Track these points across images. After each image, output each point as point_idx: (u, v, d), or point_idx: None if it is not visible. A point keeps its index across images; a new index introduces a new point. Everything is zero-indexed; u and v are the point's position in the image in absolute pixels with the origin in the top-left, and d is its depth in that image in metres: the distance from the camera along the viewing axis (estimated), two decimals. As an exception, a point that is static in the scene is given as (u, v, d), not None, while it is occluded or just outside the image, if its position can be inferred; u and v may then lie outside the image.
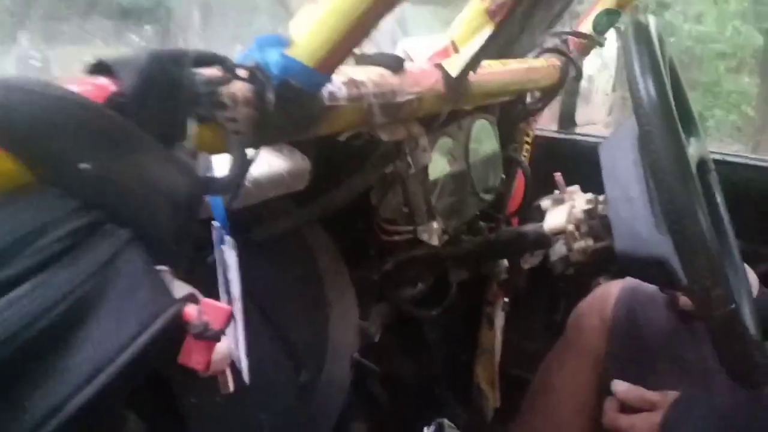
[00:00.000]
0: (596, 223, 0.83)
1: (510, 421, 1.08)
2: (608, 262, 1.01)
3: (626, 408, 0.80)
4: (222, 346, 0.49)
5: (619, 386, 0.80)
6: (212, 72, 0.38)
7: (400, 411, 1.09)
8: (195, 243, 0.49)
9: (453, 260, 0.90)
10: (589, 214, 0.84)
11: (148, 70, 0.33)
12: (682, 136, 0.70)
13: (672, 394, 0.77)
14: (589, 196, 0.86)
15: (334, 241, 0.82)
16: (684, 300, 0.91)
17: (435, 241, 0.78)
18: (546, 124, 1.33)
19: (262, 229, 0.68)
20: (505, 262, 1.00)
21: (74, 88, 0.31)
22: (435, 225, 0.78)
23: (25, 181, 0.29)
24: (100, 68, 0.34)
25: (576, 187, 0.90)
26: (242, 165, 0.38)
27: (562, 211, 0.83)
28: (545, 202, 0.86)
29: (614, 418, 0.80)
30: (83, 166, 0.30)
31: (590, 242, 0.82)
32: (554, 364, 1.04)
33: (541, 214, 0.87)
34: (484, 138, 0.97)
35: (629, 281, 1.01)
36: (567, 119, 1.28)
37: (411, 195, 0.80)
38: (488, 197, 0.96)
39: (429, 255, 0.85)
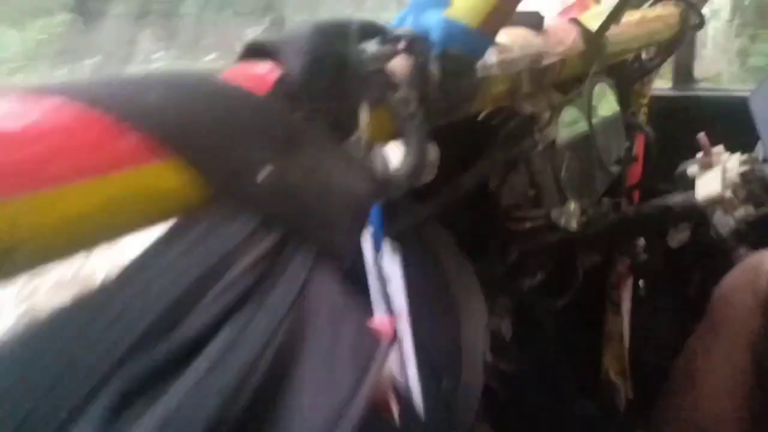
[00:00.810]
0: (755, 186, 0.72)
1: (647, 413, 0.98)
2: (749, 230, 0.90)
3: None
4: (386, 372, 0.43)
5: None
6: (375, 46, 0.31)
7: (520, 407, 1.02)
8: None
9: (585, 244, 0.80)
10: (746, 176, 0.72)
11: (314, 49, 0.26)
12: None
13: None
14: (744, 156, 0.74)
15: (453, 235, 0.75)
16: None
17: (573, 225, 0.69)
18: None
19: (388, 228, 0.62)
20: (642, 240, 0.89)
21: (235, 81, 0.25)
22: (573, 206, 0.69)
23: (200, 197, 0.23)
24: (258, 51, 0.27)
25: (720, 148, 0.79)
26: (421, 156, 0.31)
27: (716, 176, 0.72)
28: (692, 168, 0.75)
29: None
30: (263, 173, 0.23)
31: (751, 209, 0.71)
32: (700, 347, 0.93)
33: (686, 182, 0.76)
34: (605, 103, 0.86)
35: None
36: (684, 74, 1.14)
37: (538, 174, 0.71)
38: (616, 169, 0.85)
39: (560, 241, 0.76)
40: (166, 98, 0.21)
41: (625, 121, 0.94)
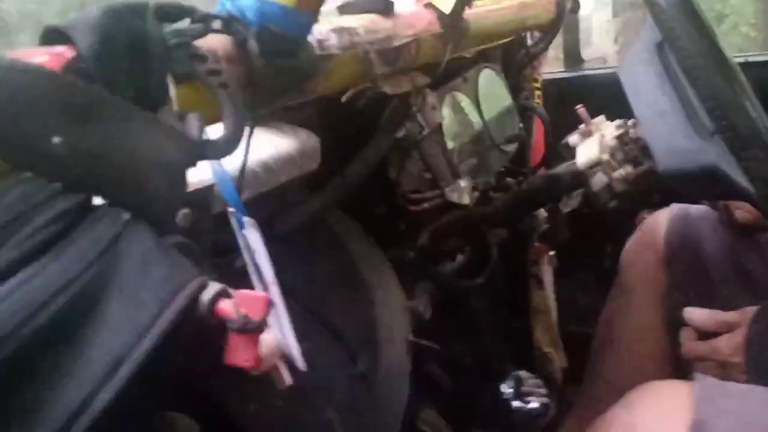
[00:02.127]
0: (631, 148, 0.77)
1: (580, 379, 1.02)
2: (648, 194, 0.95)
3: (703, 335, 0.74)
4: (268, 338, 0.44)
5: (693, 314, 0.74)
6: (185, 25, 0.34)
7: (461, 390, 1.04)
8: (219, 248, 0.45)
9: (487, 220, 0.84)
10: (622, 139, 0.78)
11: (106, 28, 0.29)
12: (710, 25, 0.64)
13: (749, 310, 0.71)
14: (618, 122, 0.80)
15: (359, 223, 0.77)
16: (740, 212, 0.84)
17: (466, 200, 0.73)
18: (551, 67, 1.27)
19: (283, 222, 0.64)
20: (543, 212, 0.94)
21: (30, 59, 0.27)
22: (462, 183, 0.73)
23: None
24: (53, 36, 0.29)
25: (601, 118, 0.85)
26: (237, 121, 0.33)
27: (593, 142, 0.77)
28: (573, 138, 0.81)
29: (693, 347, 0.74)
30: (56, 141, 0.25)
31: (629, 169, 0.76)
32: (614, 309, 0.98)
33: (570, 153, 0.81)
34: (493, 88, 0.91)
35: (676, 208, 0.94)
36: (573, 56, 1.21)
37: (430, 158, 0.74)
38: (510, 148, 0.90)
39: (462, 218, 0.80)
40: None
41: (519, 104, 1.00)
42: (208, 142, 0.32)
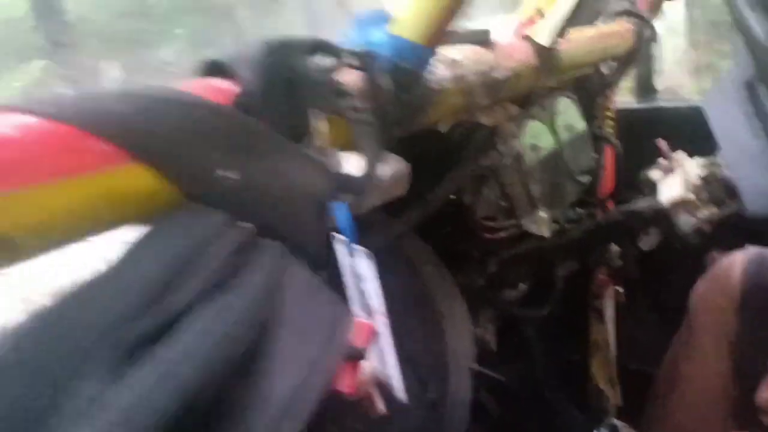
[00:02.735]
0: (715, 188, 0.75)
1: (636, 419, 0.99)
2: (721, 232, 0.92)
3: None
4: (366, 366, 0.45)
5: None
6: (323, 60, 0.34)
7: (511, 420, 1.02)
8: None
9: (561, 252, 0.83)
10: (706, 178, 0.76)
11: (267, 65, 0.29)
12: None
13: None
14: (701, 159, 0.78)
15: (433, 248, 0.77)
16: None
17: (545, 232, 0.72)
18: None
19: (366, 244, 0.64)
20: (615, 246, 0.92)
21: (195, 92, 0.28)
22: (542, 214, 0.72)
23: (169, 198, 0.25)
24: (215, 69, 0.30)
25: (682, 153, 0.83)
26: (375, 159, 0.34)
27: (677, 179, 0.75)
28: (654, 173, 0.79)
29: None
30: (227, 174, 0.26)
31: (714, 209, 0.74)
32: (681, 352, 0.94)
33: (650, 187, 0.80)
34: (568, 117, 0.90)
35: (753, 252, 0.91)
36: (646, 88, 1.19)
37: (508, 186, 0.74)
38: (585, 179, 0.89)
39: (535, 249, 0.78)
40: (128, 107, 0.24)
41: (592, 134, 0.98)
42: (350, 177, 0.32)
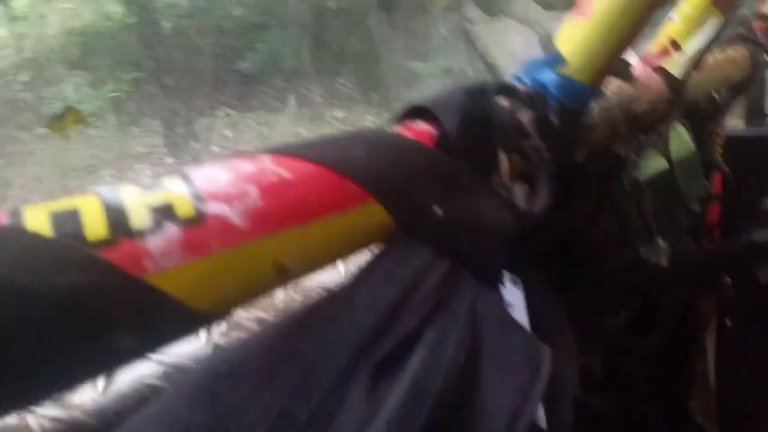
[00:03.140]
0: None
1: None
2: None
3: None
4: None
5: None
6: (505, 102, 0.36)
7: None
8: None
9: (673, 281, 0.81)
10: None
11: (465, 109, 0.32)
12: None
13: None
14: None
15: (544, 273, 0.77)
16: None
17: (664, 261, 0.71)
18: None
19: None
20: (728, 279, 0.89)
21: (408, 136, 0.30)
22: (661, 243, 0.71)
23: (387, 231, 0.28)
24: (414, 112, 0.33)
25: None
26: (551, 192, 0.35)
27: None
28: (776, 203, 0.76)
29: None
30: (437, 210, 0.28)
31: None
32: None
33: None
34: (681, 143, 0.89)
35: None
36: (756, 112, 1.15)
37: (626, 214, 0.73)
38: (697, 208, 0.87)
39: (650, 278, 0.77)
40: (370, 153, 0.27)
41: (702, 160, 0.96)
42: (530, 211, 0.34)
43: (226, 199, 0.20)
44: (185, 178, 0.21)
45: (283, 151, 0.25)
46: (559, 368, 0.74)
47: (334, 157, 0.25)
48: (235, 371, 0.23)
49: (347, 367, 0.23)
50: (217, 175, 0.21)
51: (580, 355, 0.81)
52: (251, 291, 0.22)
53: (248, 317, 0.36)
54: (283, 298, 0.39)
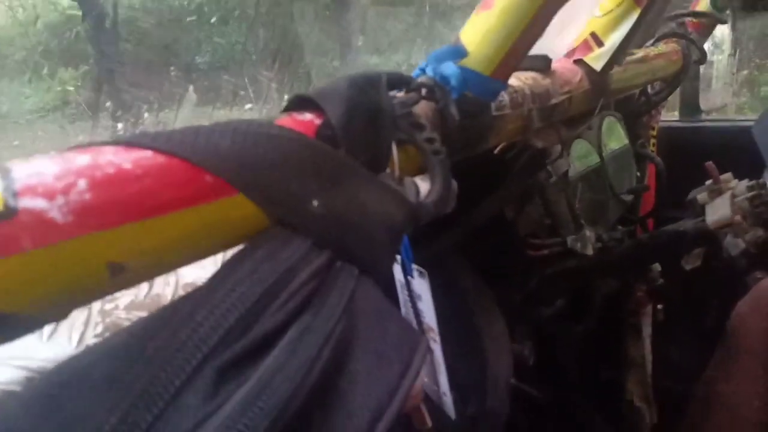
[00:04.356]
0: (763, 210, 0.75)
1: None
2: (765, 254, 0.91)
3: None
4: (417, 385, 0.46)
5: None
6: (401, 94, 0.36)
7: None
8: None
9: (602, 270, 0.83)
10: (753, 201, 0.75)
11: (351, 98, 0.31)
12: None
13: None
14: (749, 182, 0.78)
15: (473, 264, 0.78)
16: None
17: (590, 251, 0.73)
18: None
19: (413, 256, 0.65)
20: (658, 266, 0.92)
21: (287, 126, 0.29)
22: (588, 233, 0.72)
23: (260, 225, 0.27)
24: (301, 102, 0.32)
25: (729, 176, 0.82)
26: (447, 186, 0.35)
27: (724, 201, 0.75)
28: (701, 195, 0.79)
29: None
30: (314, 203, 0.28)
31: (760, 232, 0.74)
32: (720, 373, 0.94)
33: (696, 209, 0.79)
34: (613, 136, 0.90)
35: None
36: (690, 106, 1.18)
37: (553, 205, 0.75)
38: (628, 198, 0.89)
39: (577, 266, 0.79)
40: (234, 144, 0.26)
41: (636, 152, 0.98)
42: (422, 204, 0.34)
43: (47, 193, 0.19)
44: (4, 172, 0.20)
45: (130, 142, 0.24)
46: (492, 356, 0.75)
47: (190, 148, 0.24)
48: (80, 377, 0.22)
49: (194, 370, 0.22)
50: (44, 169, 0.20)
51: (513, 344, 0.83)
52: (82, 292, 0.21)
53: (127, 317, 0.35)
54: (171, 295, 0.38)
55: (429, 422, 0.47)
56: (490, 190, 0.69)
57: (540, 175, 0.71)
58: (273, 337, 0.24)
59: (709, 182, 0.81)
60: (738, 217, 0.73)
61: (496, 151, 0.56)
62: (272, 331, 0.24)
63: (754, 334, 0.90)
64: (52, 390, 0.21)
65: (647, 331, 1.08)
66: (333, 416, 0.24)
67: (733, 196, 0.76)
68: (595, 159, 0.85)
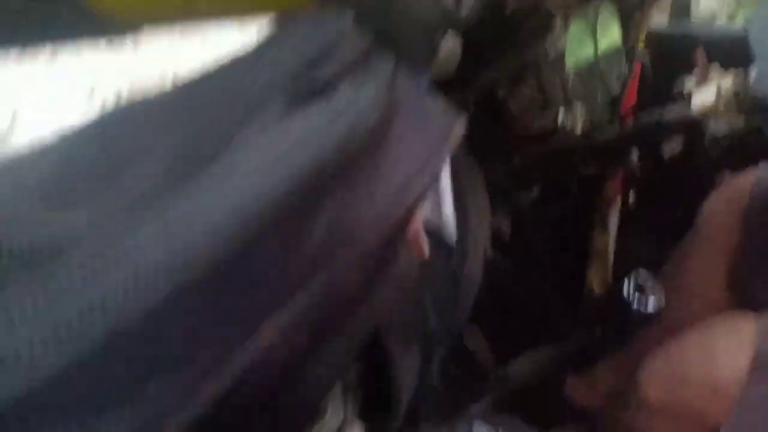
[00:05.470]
0: (746, 100, 0.77)
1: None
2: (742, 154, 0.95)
3: None
4: (420, 215, 0.48)
5: None
6: None
7: (507, 314, 1.08)
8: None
9: (586, 153, 0.86)
10: (738, 92, 0.78)
11: None
12: None
13: None
14: (736, 71, 0.80)
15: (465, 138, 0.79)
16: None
17: (578, 128, 0.75)
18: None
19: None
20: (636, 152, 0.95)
21: None
22: (579, 109, 0.74)
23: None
24: None
25: (716, 65, 0.84)
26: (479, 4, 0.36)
27: (710, 90, 0.78)
28: (688, 83, 0.81)
29: None
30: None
31: (741, 120, 0.77)
32: (682, 262, 1.00)
33: (682, 96, 0.82)
34: (608, 26, 0.91)
35: (763, 171, 0.95)
36: (681, 11, 1.18)
37: (547, 82, 0.76)
38: (616, 88, 0.90)
39: (564, 148, 0.81)
40: None
41: (626, 50, 0.99)
42: (456, 11, 0.35)
43: None
44: None
45: None
46: (473, 218, 0.78)
47: None
48: (135, 120, 0.22)
49: (261, 100, 0.23)
50: None
51: (492, 217, 0.86)
52: (159, 11, 0.21)
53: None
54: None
55: (426, 252, 0.50)
56: (489, 59, 0.69)
57: (540, 49, 0.72)
58: (333, 82, 0.25)
59: (696, 70, 0.83)
60: (722, 105, 0.76)
61: (507, 12, 0.56)
62: (333, 76, 0.25)
63: (718, 226, 0.96)
64: (106, 130, 0.22)
65: (613, 222, 1.13)
66: (382, 167, 0.26)
67: (720, 85, 0.79)
68: (589, 50, 0.85)
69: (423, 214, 0.48)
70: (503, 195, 0.90)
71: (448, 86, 0.68)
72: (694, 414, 0.57)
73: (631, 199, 1.07)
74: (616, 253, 1.15)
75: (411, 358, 0.61)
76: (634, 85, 1.09)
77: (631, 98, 1.10)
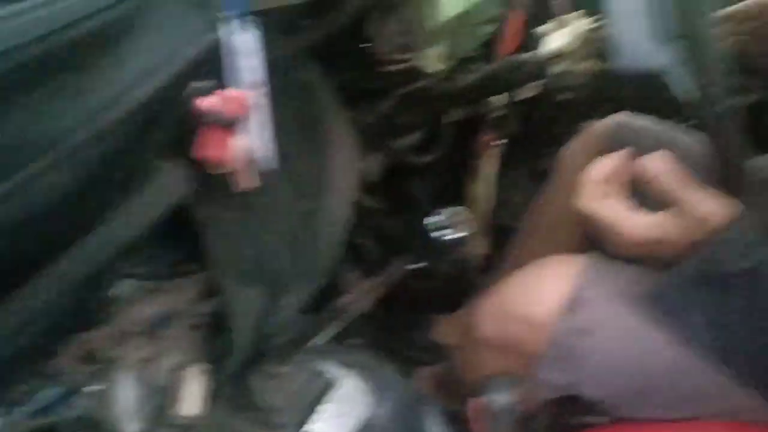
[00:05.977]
0: (599, 43, 0.80)
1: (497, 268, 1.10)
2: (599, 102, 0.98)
3: None
4: (241, 142, 0.47)
5: None
6: None
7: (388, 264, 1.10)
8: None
9: (450, 98, 0.86)
10: (591, 34, 0.80)
11: None
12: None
13: None
14: (594, 17, 0.82)
15: (329, 78, 0.77)
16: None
17: (433, 67, 0.75)
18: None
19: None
20: (501, 99, 0.97)
21: None
22: (434, 50, 0.74)
23: None
24: None
25: (579, 13, 0.86)
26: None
27: (564, 33, 0.79)
28: (544, 27, 0.82)
29: None
30: None
31: (591, 64, 0.80)
32: (539, 206, 1.04)
33: (539, 41, 0.83)
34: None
35: (623, 115, 0.99)
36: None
37: (412, 23, 0.74)
38: (488, 28, 0.90)
39: (425, 90, 0.81)
40: None
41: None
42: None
43: None
44: None
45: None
46: (334, 165, 0.77)
47: None
48: None
49: None
50: None
51: (362, 161, 0.86)
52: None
53: None
54: None
55: (251, 182, 0.49)
56: None
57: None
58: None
59: (557, 18, 0.84)
60: (572, 47, 0.78)
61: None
62: None
63: (573, 169, 1.00)
64: None
65: (489, 170, 1.16)
66: (109, 64, 0.26)
67: (574, 29, 0.80)
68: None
69: (246, 144, 0.46)
70: (375, 139, 0.90)
71: (294, 21, 0.66)
72: (517, 347, 0.60)
73: (502, 144, 1.09)
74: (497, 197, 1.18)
75: (252, 298, 0.60)
76: (516, 31, 1.10)
77: (512, 44, 1.11)
